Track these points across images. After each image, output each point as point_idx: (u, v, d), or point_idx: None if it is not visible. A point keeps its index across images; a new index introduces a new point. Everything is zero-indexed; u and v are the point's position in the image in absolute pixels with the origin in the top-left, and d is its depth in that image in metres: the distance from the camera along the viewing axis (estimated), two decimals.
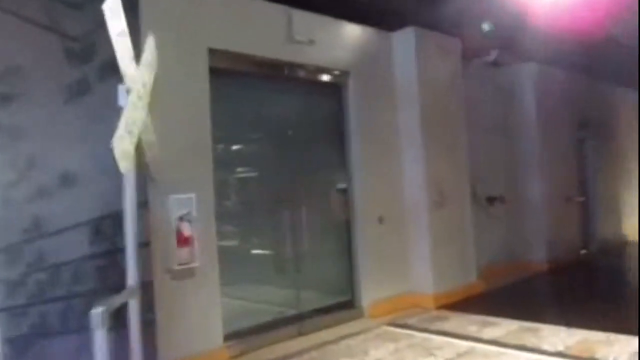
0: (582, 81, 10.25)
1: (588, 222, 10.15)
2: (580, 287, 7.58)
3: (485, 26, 6.45)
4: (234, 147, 5.64)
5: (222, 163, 5.20)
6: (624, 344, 4.58)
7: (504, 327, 5.31)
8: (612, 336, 4.78)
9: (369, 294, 6.17)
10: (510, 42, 8.37)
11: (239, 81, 5.42)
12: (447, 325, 5.52)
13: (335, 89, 6.28)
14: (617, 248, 10.73)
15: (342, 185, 6.28)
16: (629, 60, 13.13)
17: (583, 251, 9.72)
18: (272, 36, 5.47)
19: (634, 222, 11.85)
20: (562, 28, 8.02)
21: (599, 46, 10.28)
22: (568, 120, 9.57)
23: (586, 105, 10.31)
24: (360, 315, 6.10)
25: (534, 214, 8.64)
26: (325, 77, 6.10)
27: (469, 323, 5.55)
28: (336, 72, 6.14)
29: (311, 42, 5.76)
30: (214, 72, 4.92)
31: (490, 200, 8.13)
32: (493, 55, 7.90)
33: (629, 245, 11.03)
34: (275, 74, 5.62)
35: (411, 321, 5.81)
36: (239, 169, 5.64)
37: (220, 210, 5.01)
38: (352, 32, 6.33)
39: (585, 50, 10.57)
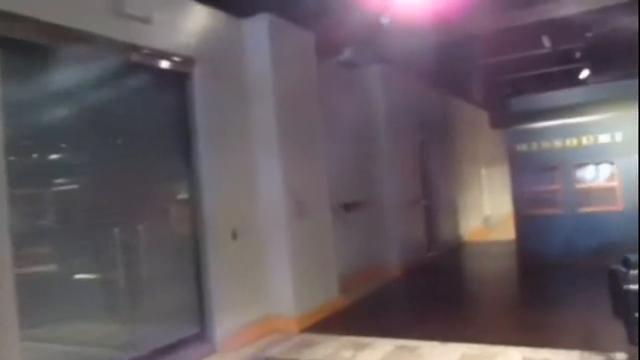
0: (422, 86, 10.49)
1: (432, 225, 10.38)
2: (437, 292, 7.48)
3: (384, 19, 6.01)
4: (42, 153, 4.27)
5: (26, 173, 3.88)
6: (504, 356, 4.31)
7: (379, 348, 4.77)
8: (491, 349, 4.50)
9: (223, 323, 5.21)
10: (365, 40, 8.10)
11: (44, 62, 4.08)
12: (317, 353, 4.80)
13: (178, 80, 5.21)
14: (456, 249, 11.19)
15: (187, 196, 5.24)
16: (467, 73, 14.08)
17: (429, 254, 9.87)
18: (93, 3, 4.25)
19: (468, 224, 12.56)
20: (414, 26, 7.97)
21: (444, 49, 10.70)
22: (411, 124, 9.65)
23: (427, 109, 10.58)
24: (212, 350, 5.10)
25: (388, 219, 8.46)
26: (165, 64, 5.00)
27: (341, 347, 4.90)
28: (177, 59, 5.08)
29: (147, 19, 4.66)
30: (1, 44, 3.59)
31: (347, 207, 7.70)
32: (347, 53, 7.50)
33: (465, 246, 11.60)
34: (97, 55, 4.39)
35: (274, 351, 4.99)
36: (52, 180, 4.28)
37: (25, 231, 3.69)
38: (199, 14, 5.33)
39: (431, 53, 10.93)
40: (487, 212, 14.75)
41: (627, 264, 3.38)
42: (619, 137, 7.92)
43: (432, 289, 7.63)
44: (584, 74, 15.04)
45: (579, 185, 8.23)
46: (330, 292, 6.46)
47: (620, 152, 7.92)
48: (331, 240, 6.61)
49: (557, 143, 8.33)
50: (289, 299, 5.73)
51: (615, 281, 3.40)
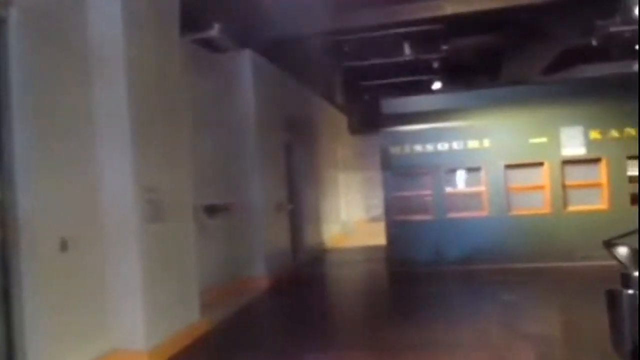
0: (292, 82, 9.75)
1: (297, 232, 9.64)
2: (307, 309, 6.69)
3: None
4: None
5: None
6: None
7: None
8: None
9: None
10: (236, 16, 7.08)
11: None
12: None
13: None
14: (321, 256, 10.61)
15: None
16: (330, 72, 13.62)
17: (296, 262, 9.11)
18: None
19: (329, 230, 12.10)
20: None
21: (311, 43, 10.05)
22: (279, 122, 8.83)
23: (294, 107, 9.86)
24: None
25: (254, 225, 7.48)
26: None
27: None
28: None
29: None
30: None
31: (210, 210, 6.58)
32: (215, 30, 6.40)
33: (329, 253, 11.08)
34: None
35: None
36: None
37: None
38: None
39: (300, 45, 10.21)
40: (344, 217, 14.53)
41: (627, 281, 2.68)
42: (487, 143, 7.94)
43: (301, 305, 6.84)
44: (436, 85, 15.72)
45: (448, 191, 8.09)
46: (191, 314, 5.29)
47: (487, 158, 7.94)
48: (193, 250, 5.45)
49: (429, 147, 8.13)
50: (139, 328, 4.45)
51: (617, 306, 2.70)
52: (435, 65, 13.17)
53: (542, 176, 7.83)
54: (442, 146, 8.07)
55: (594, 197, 7.76)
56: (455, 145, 8.03)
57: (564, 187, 7.75)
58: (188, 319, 5.18)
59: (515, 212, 7.87)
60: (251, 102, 7.56)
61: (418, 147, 8.15)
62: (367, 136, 18.05)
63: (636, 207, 7.60)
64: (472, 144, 7.98)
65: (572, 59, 11.70)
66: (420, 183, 8.30)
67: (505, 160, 7.87)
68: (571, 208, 7.74)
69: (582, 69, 12.75)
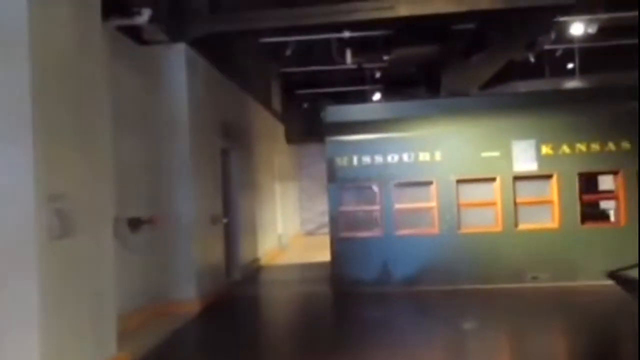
0: (228, 83, 8.97)
1: (232, 247, 8.81)
2: (242, 337, 5.92)
3: None
4: None
5: None
6: None
7: None
8: None
9: None
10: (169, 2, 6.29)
11: None
12: None
13: None
14: (256, 274, 9.81)
15: None
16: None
17: (229, 280, 8.27)
18: None
19: (265, 244, 11.32)
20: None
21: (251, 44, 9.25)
22: (215, 126, 8.01)
23: (231, 112, 9.07)
24: None
25: (184, 240, 6.60)
26: None
27: None
28: None
29: None
30: None
31: (135, 223, 5.67)
32: (144, 16, 5.54)
33: (265, 270, 10.30)
34: None
35: None
36: None
37: None
38: None
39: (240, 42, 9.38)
40: (280, 230, 13.79)
41: None
42: (438, 156, 7.53)
43: (235, 333, 6.05)
44: (376, 96, 15.43)
45: (398, 206, 7.59)
46: (106, 348, 4.37)
47: (439, 172, 7.52)
48: (111, 270, 4.54)
49: (378, 159, 7.60)
50: None
51: None
52: (377, 75, 12.85)
53: (494, 192, 7.51)
54: (392, 158, 7.57)
55: (544, 215, 7.52)
56: (406, 157, 7.56)
57: (515, 204, 7.46)
58: (102, 354, 4.26)
59: (466, 230, 7.49)
60: (183, 102, 6.71)
61: (366, 159, 7.61)
62: (303, 146, 17.49)
63: (587, 227, 7.45)
64: (423, 156, 7.54)
65: (509, 74, 11.72)
66: (368, 197, 7.75)
67: (457, 174, 7.49)
68: (522, 226, 7.46)
69: (517, 86, 12.89)
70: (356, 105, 8.55)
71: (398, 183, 7.58)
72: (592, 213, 8.00)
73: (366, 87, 14.69)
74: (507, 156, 7.47)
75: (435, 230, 7.52)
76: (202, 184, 7.11)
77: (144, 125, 6.42)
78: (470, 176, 7.50)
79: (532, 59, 12.82)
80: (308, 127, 16.07)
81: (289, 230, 15.05)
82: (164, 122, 6.61)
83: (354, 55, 12.18)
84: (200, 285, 6.78)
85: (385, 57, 12.42)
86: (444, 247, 7.47)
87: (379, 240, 7.58)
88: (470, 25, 10.46)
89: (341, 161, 7.62)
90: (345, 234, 7.66)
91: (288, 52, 10.24)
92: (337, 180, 7.65)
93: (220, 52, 8.30)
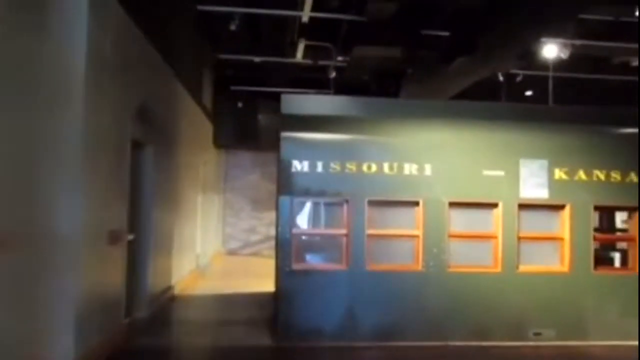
0: (153, 55, 6.73)
1: (137, 273, 6.49)
2: None
3: None
4: None
5: None
6: None
7: None
8: None
9: None
10: None
11: None
12: None
13: None
14: (169, 308, 7.50)
15: None
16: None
17: (127, 319, 5.92)
18: None
19: (181, 268, 9.01)
20: None
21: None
22: (127, 107, 5.74)
23: (152, 92, 6.82)
24: None
25: (60, 267, 4.27)
26: None
27: None
28: None
29: None
30: None
31: None
32: None
33: (181, 303, 8.00)
34: None
35: None
36: None
37: None
38: None
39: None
40: (199, 250, 11.45)
41: None
42: (428, 169, 5.74)
43: None
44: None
45: (372, 231, 5.68)
46: None
47: (428, 191, 5.73)
48: None
49: (350, 167, 5.69)
50: None
51: None
52: (332, 75, 11.03)
53: (494, 222, 5.83)
54: (368, 167, 5.69)
55: (551, 255, 5.94)
56: (387, 167, 5.70)
57: (518, 238, 5.82)
58: None
59: (457, 269, 5.72)
60: (80, 58, 4.42)
61: (334, 165, 5.66)
62: (233, 153, 15.26)
63: (601, 272, 5.95)
64: (410, 168, 5.72)
65: (464, 94, 10.29)
66: (333, 217, 5.81)
67: (451, 195, 5.73)
68: (524, 268, 5.82)
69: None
70: (326, 97, 6.65)
71: (374, 201, 5.69)
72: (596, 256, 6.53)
73: (313, 91, 12.81)
74: (514, 177, 5.83)
75: (418, 266, 5.68)
76: (97, 187, 4.82)
77: (12, 85, 4.06)
78: (466, 199, 5.77)
79: (500, 78, 11.64)
80: (241, 132, 13.89)
81: (209, 248, 12.72)
82: (46, 84, 4.29)
83: (308, 48, 10.35)
84: (84, 336, 4.45)
85: (341, 59, 10.72)
86: (428, 290, 5.66)
87: (343, 276, 5.63)
88: (446, 33, 9.02)
89: (300, 166, 5.62)
90: (297, 266, 5.63)
91: (232, 27, 8.12)
92: (292, 191, 5.62)
93: (146, 5, 6.10)
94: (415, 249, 5.73)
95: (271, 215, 15.40)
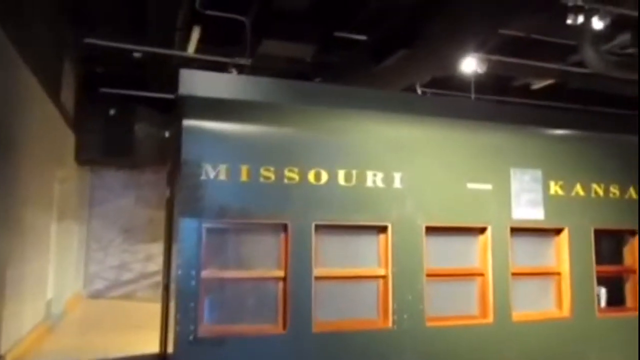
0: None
1: None
2: None
3: None
4: None
5: None
6: None
7: None
8: None
9: None
10: None
11: None
12: None
13: None
14: None
15: None
16: None
17: None
18: None
19: (20, 322, 6.35)
20: None
21: None
22: None
23: None
24: None
25: None
26: None
27: None
28: None
29: None
30: None
31: None
32: None
33: None
34: None
35: None
36: None
37: None
38: None
39: None
40: (50, 294, 8.66)
41: None
42: (397, 181, 4.03)
43: None
44: None
45: (321, 271, 3.80)
46: None
47: (397, 210, 4.00)
48: None
49: (291, 175, 3.79)
50: None
51: None
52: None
53: (480, 253, 4.26)
54: (317, 176, 3.84)
55: (547, 296, 4.51)
56: (342, 177, 3.90)
57: (510, 275, 4.30)
58: None
59: (436, 322, 4.03)
60: None
61: (266, 172, 3.74)
62: (100, 172, 12.44)
63: (606, 315, 4.62)
64: (373, 178, 3.97)
65: None
66: (262, 251, 3.83)
67: (428, 216, 4.07)
68: (519, 315, 4.30)
69: None
70: (252, 77, 4.73)
71: (324, 226, 3.83)
72: None
73: None
74: (504, 192, 4.34)
75: (386, 321, 3.89)
76: None
77: None
78: (448, 222, 4.15)
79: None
80: (111, 145, 11.24)
81: (65, 291, 9.86)
82: None
83: (202, 39, 8.30)
84: None
85: (244, 60, 8.83)
86: (402, 356, 3.88)
87: (279, 344, 3.65)
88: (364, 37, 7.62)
89: (214, 172, 3.61)
90: (206, 331, 3.56)
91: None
92: (200, 212, 3.57)
93: None
94: (380, 295, 3.95)
95: (148, 249, 12.79)
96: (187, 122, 3.64)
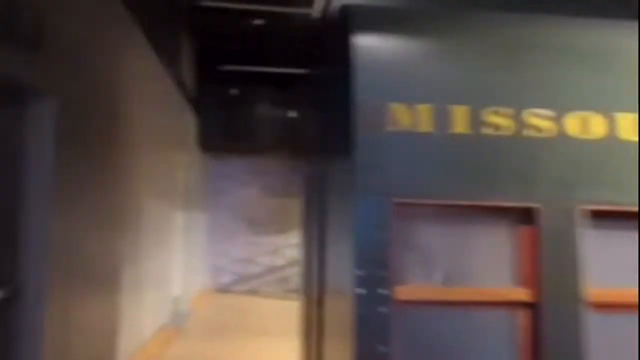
0: None
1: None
2: None
3: None
4: None
5: None
6: None
7: None
8: None
9: None
10: None
11: None
12: None
13: None
14: None
15: None
16: None
17: None
18: None
19: (141, 327, 5.43)
20: None
21: None
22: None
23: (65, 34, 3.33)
24: None
25: None
26: None
27: None
28: None
29: None
30: None
31: None
32: None
33: None
34: None
35: None
36: None
37: None
38: None
39: None
40: (177, 290, 7.85)
41: None
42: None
43: None
44: None
45: (597, 293, 2.19)
46: None
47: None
48: None
49: (538, 124, 2.23)
50: None
51: None
52: None
53: None
54: (582, 124, 2.23)
55: None
56: (626, 126, 2.24)
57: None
58: None
59: None
60: None
61: (492, 118, 2.20)
62: (223, 159, 11.63)
63: None
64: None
65: None
66: (488, 254, 2.30)
67: None
68: None
69: None
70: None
71: (598, 211, 2.20)
72: None
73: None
74: None
75: None
76: None
77: None
78: None
79: None
80: (232, 130, 10.35)
81: (191, 287, 9.09)
82: None
83: None
84: None
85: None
86: None
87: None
88: None
89: (405, 117, 2.14)
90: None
91: None
92: (385, 188, 2.12)
93: None
94: None
95: (274, 241, 11.84)
96: (360, 39, 2.18)
